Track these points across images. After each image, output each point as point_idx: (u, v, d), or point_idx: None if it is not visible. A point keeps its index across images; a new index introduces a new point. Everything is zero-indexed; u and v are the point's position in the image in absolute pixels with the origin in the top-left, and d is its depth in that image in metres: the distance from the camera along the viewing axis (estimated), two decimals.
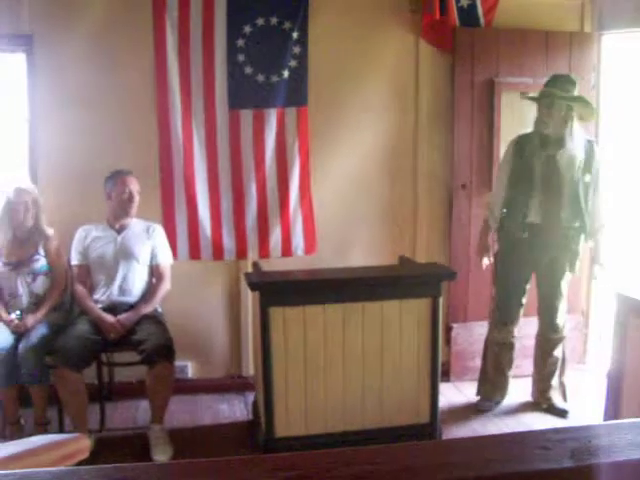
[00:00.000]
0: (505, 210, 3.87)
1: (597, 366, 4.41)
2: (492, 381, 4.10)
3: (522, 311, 3.98)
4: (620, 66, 4.59)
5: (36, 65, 4.00)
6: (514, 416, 4.04)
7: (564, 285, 3.89)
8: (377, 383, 3.45)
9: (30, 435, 2.98)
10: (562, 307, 3.91)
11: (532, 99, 3.86)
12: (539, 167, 3.75)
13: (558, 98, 3.66)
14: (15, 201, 3.67)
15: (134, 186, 3.77)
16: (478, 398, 4.15)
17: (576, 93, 3.74)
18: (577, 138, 3.74)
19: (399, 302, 3.43)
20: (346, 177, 4.38)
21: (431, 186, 4.48)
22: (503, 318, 3.98)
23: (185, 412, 4.02)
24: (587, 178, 3.74)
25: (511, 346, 4.04)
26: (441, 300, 3.48)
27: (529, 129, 3.82)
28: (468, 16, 4.26)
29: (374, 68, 4.35)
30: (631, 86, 4.61)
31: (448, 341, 4.41)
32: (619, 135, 4.67)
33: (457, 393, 4.33)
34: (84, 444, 1.55)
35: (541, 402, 4.08)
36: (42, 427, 3.59)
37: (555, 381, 4.03)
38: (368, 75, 4.34)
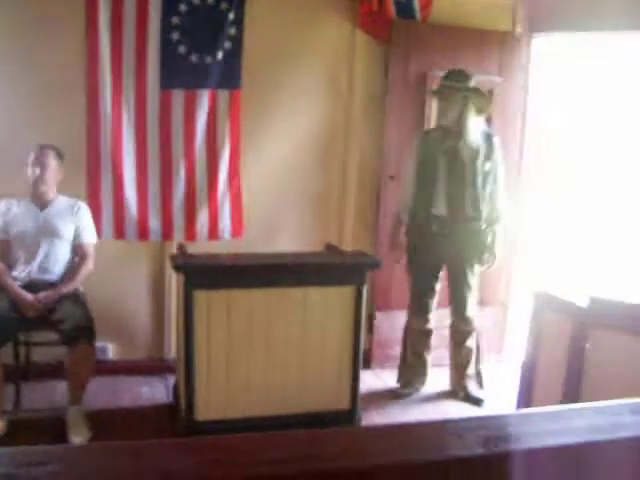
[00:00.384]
0: (414, 204, 3.99)
1: (514, 357, 4.55)
2: (411, 368, 4.21)
3: (435, 299, 4.10)
4: (549, 67, 4.73)
5: None
6: (432, 404, 4.15)
7: (472, 277, 4.00)
8: (299, 369, 3.49)
9: None
10: (471, 299, 4.03)
11: (431, 93, 4.07)
12: (442, 159, 3.88)
13: (452, 89, 3.82)
14: None
15: (47, 159, 3.63)
16: (398, 385, 4.25)
17: (471, 85, 3.88)
18: (476, 129, 3.89)
19: (323, 289, 3.46)
20: (277, 162, 4.37)
21: (360, 175, 4.53)
22: (418, 306, 4.10)
23: (105, 394, 3.95)
24: (487, 167, 3.88)
25: (428, 333, 4.15)
26: (365, 288, 3.53)
27: None
28: (405, 9, 4.31)
29: (310, 53, 4.35)
30: (559, 87, 4.77)
31: (371, 329, 4.48)
32: (546, 135, 4.82)
33: (378, 380, 4.40)
34: None
35: (457, 391, 4.21)
36: None
37: (471, 370, 4.16)
38: (304, 60, 4.34)
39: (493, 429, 1.02)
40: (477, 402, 4.12)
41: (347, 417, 3.59)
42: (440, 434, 1.03)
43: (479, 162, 3.86)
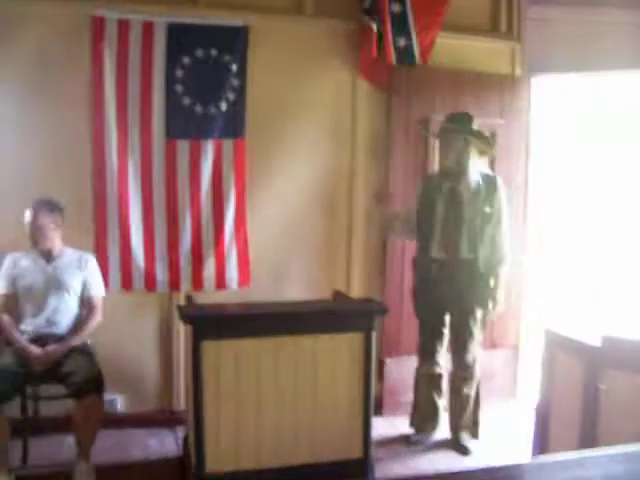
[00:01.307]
0: (416, 248, 4.00)
1: (527, 400, 4.48)
2: (423, 413, 4.15)
3: (444, 342, 4.04)
4: (549, 107, 4.77)
5: None
6: (445, 451, 4.06)
7: (473, 322, 3.92)
8: (310, 418, 3.43)
9: None
10: (472, 345, 3.94)
11: (432, 135, 4.06)
12: (441, 201, 3.87)
13: (454, 132, 3.84)
14: None
15: (40, 215, 3.61)
16: (411, 431, 4.18)
17: (474, 127, 3.89)
18: (476, 171, 3.90)
19: (332, 336, 3.42)
20: (282, 210, 4.40)
21: (366, 221, 4.53)
22: (426, 350, 4.05)
23: (113, 447, 3.89)
24: (487, 209, 3.84)
25: (438, 377, 4.09)
26: (374, 335, 3.50)
27: None
28: (404, 56, 4.34)
29: (312, 103, 4.41)
30: (559, 126, 4.80)
31: (381, 375, 4.43)
32: (549, 174, 4.84)
33: (390, 427, 4.34)
34: None
35: (452, 436, 4.11)
36: None
37: (467, 419, 4.06)
38: (306, 109, 4.39)
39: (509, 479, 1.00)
40: (464, 451, 4.00)
41: (360, 466, 3.51)
42: None
43: (478, 204, 3.84)
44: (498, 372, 4.45)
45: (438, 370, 4.08)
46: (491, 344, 4.19)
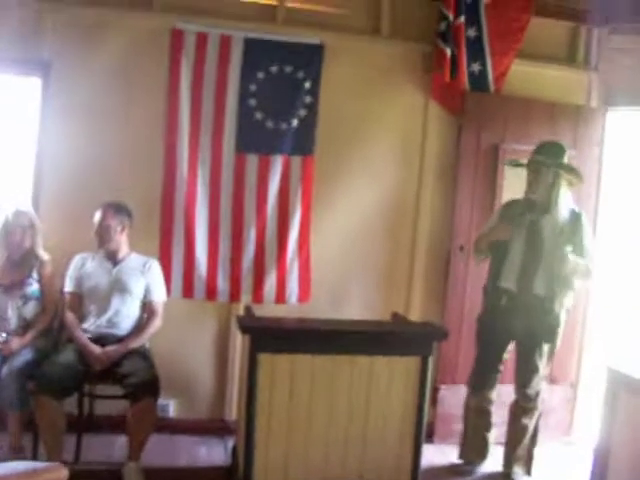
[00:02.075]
0: (489, 274, 3.91)
1: (584, 440, 4.34)
2: (471, 445, 4.06)
3: (498, 377, 3.95)
4: (624, 141, 4.66)
5: (50, 91, 4.04)
6: None
7: (539, 357, 3.81)
8: (360, 438, 3.40)
9: (3, 461, 2.92)
10: (536, 378, 3.84)
11: (520, 165, 3.91)
12: (521, 232, 3.76)
13: (544, 165, 3.71)
14: (13, 223, 3.67)
15: (108, 218, 3.72)
16: (460, 461, 4.10)
17: (565, 159, 3.78)
18: (563, 205, 3.77)
19: (388, 358, 3.39)
20: (346, 229, 4.40)
21: (429, 245, 4.50)
22: (479, 383, 3.96)
23: (163, 452, 3.93)
24: (569, 248, 3.70)
25: (487, 411, 4.00)
26: (431, 360, 3.45)
27: None
28: (478, 81, 4.33)
29: (383, 123, 4.41)
30: (635, 161, 4.67)
31: (434, 402, 4.36)
32: (622, 208, 4.70)
33: (440, 455, 4.26)
34: (62, 474, 1.53)
35: (504, 470, 4.00)
36: (17, 454, 3.51)
37: (522, 451, 3.94)
38: (377, 129, 4.39)
39: None
40: None
41: None
42: None
43: (561, 240, 3.70)
44: (555, 408, 4.33)
45: (487, 406, 3.99)
46: (550, 379, 4.07)
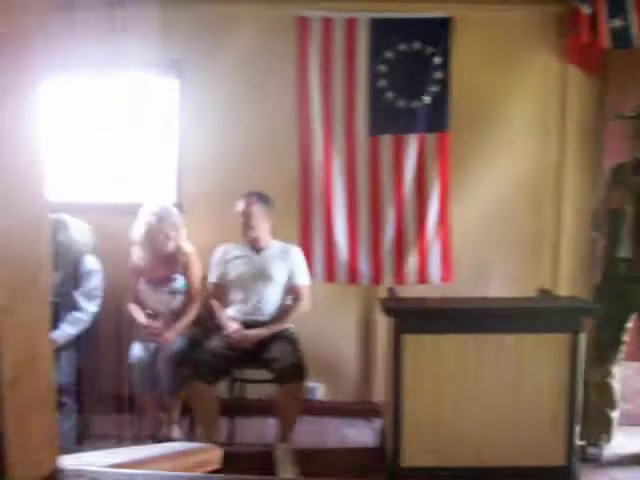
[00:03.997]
0: (604, 244, 3.67)
1: None
2: (593, 425, 3.75)
3: (620, 350, 3.68)
4: None
5: (186, 89, 4.21)
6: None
7: None
8: (510, 420, 3.30)
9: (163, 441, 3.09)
10: None
11: (623, 117, 3.62)
12: (631, 195, 3.48)
13: None
14: (156, 229, 3.78)
15: (252, 207, 3.81)
16: (582, 443, 3.73)
17: None
18: None
19: (537, 336, 3.28)
20: (485, 205, 4.26)
21: (576, 217, 4.27)
22: (598, 357, 3.68)
23: (311, 433, 4.01)
24: None
25: (609, 387, 3.71)
26: (582, 337, 3.29)
27: None
28: (621, 38, 4.04)
29: (518, 92, 4.23)
30: None
31: None
32: None
33: None
34: (217, 454, 1.58)
35: None
36: (174, 435, 3.72)
37: None
38: (512, 99, 4.22)
39: None
40: None
41: (564, 474, 3.33)
42: None
43: None
44: None
45: (609, 380, 3.71)
46: None
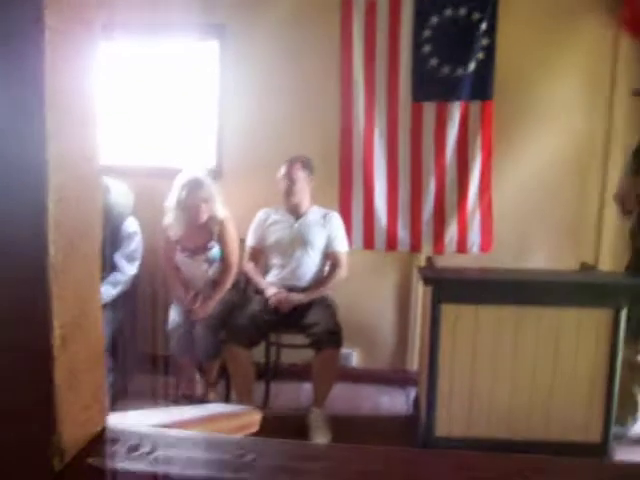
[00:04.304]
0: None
1: None
2: (619, 402, 3.64)
3: None
4: None
5: (227, 54, 4.19)
6: None
7: None
8: (546, 394, 3.28)
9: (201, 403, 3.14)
10: None
11: None
12: None
13: None
14: (187, 202, 3.70)
15: (295, 172, 3.81)
16: None
17: None
18: None
19: (577, 310, 3.22)
20: (528, 176, 4.18)
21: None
22: (631, 334, 3.51)
23: (345, 400, 4.03)
24: None
25: (638, 365, 3.62)
26: (624, 313, 3.23)
27: None
28: None
29: (566, 61, 4.11)
30: None
31: None
32: None
33: None
34: (257, 418, 1.60)
35: None
36: (212, 398, 3.78)
37: None
38: (559, 69, 4.11)
39: None
40: None
41: (598, 451, 3.30)
42: None
43: None
44: None
45: (637, 357, 3.60)
46: None
